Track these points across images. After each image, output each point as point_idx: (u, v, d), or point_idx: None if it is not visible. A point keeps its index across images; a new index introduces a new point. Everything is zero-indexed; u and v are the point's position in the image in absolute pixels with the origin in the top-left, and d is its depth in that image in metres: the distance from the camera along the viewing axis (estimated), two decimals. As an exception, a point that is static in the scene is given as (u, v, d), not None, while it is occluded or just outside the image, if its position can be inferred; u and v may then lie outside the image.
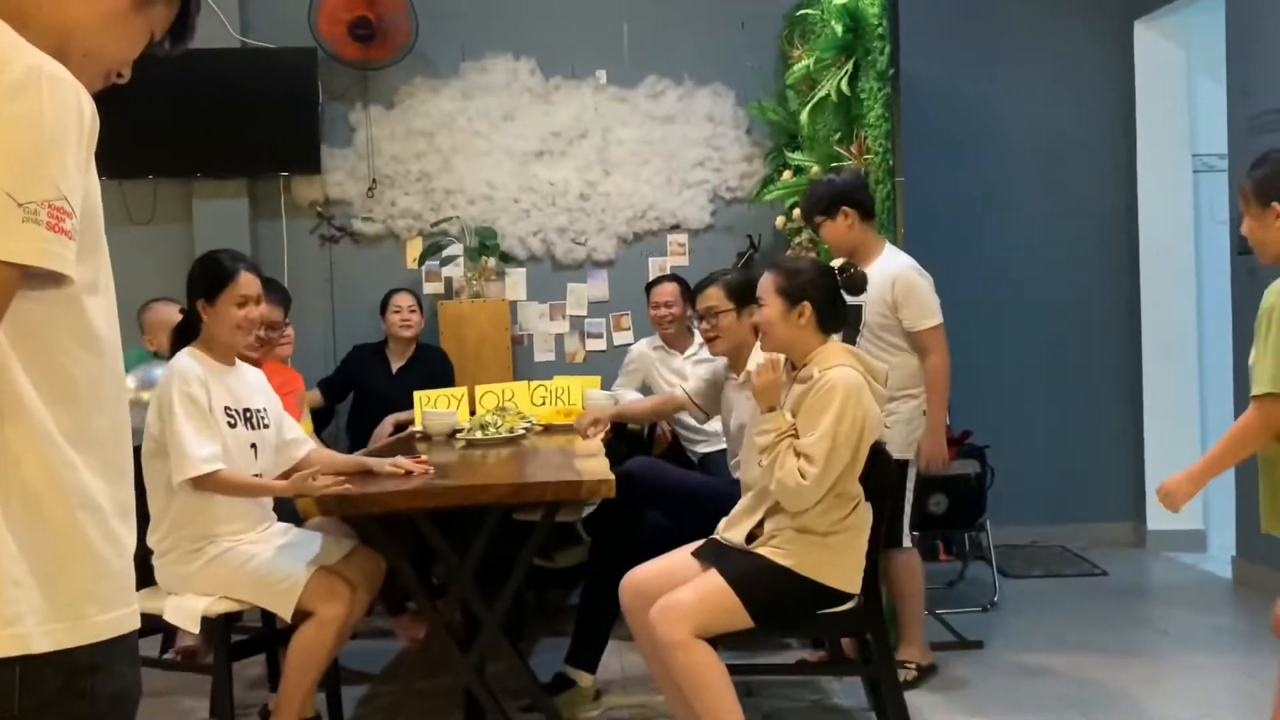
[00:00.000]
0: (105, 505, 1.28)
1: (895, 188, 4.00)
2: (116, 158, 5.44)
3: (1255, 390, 2.48)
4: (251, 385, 3.33)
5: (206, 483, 3.03)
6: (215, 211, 5.56)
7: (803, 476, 2.73)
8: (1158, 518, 5.62)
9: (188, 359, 3.15)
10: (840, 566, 2.85)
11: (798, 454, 2.77)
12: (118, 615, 1.29)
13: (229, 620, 3.17)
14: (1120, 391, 5.87)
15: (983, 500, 4.75)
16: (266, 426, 3.32)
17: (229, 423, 3.15)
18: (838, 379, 2.81)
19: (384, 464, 3.28)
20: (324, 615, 3.08)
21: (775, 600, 2.82)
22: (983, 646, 4.14)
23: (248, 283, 3.19)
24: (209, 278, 3.20)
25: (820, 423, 2.76)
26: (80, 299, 1.25)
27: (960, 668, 3.93)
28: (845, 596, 2.88)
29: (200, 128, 5.44)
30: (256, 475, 3.22)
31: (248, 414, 3.24)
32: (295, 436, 3.44)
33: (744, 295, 3.54)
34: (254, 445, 3.24)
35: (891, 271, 3.73)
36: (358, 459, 3.43)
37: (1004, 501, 5.02)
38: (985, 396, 5.58)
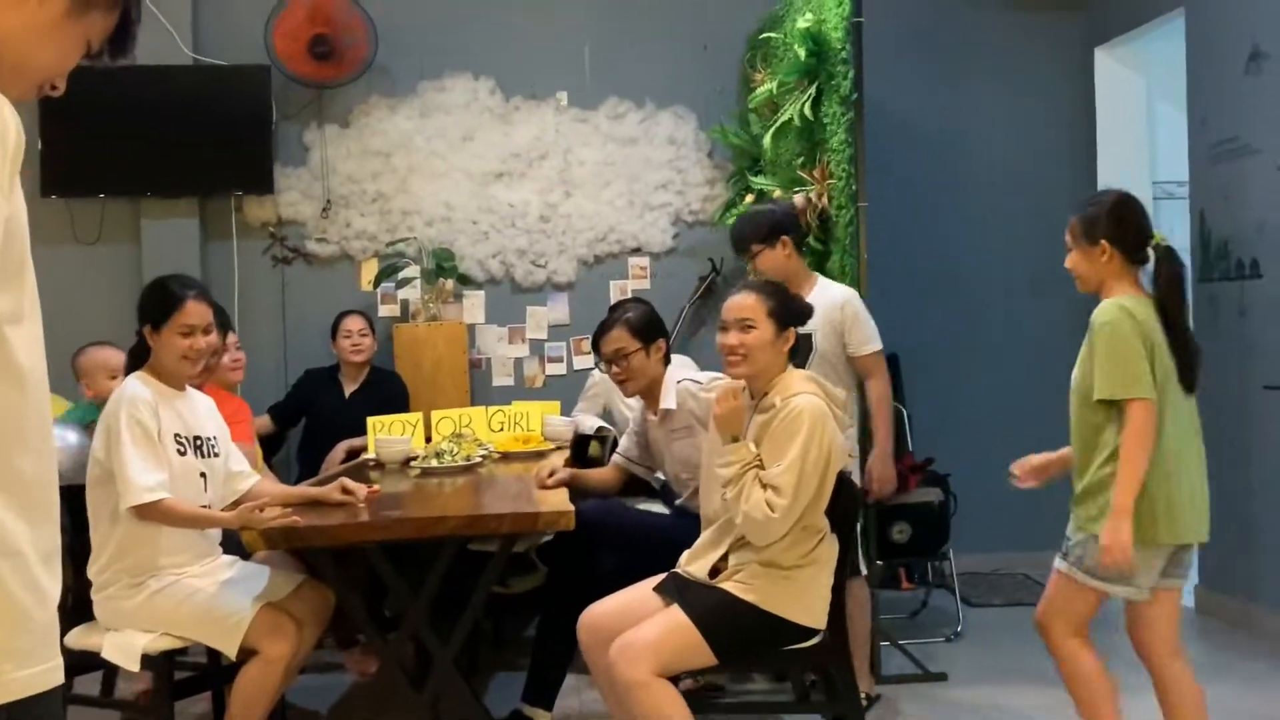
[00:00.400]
0: (27, 551, 1.19)
1: (859, 213, 3.94)
2: (63, 175, 5.35)
3: (1126, 395, 2.72)
4: (201, 412, 3.23)
5: (151, 512, 2.91)
6: (165, 231, 5.42)
7: (771, 509, 2.65)
8: (1119, 545, 5.59)
9: (137, 383, 3.04)
10: (806, 601, 2.77)
11: (764, 485, 2.69)
12: (38, 671, 1.19)
13: (171, 657, 3.04)
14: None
15: (946, 528, 4.70)
16: (216, 455, 3.21)
17: (178, 450, 3.05)
18: (804, 406, 2.74)
19: (330, 491, 3.17)
20: (270, 653, 2.97)
21: (739, 637, 2.74)
22: (947, 679, 4.08)
23: (195, 311, 3.10)
24: (156, 305, 3.11)
25: (787, 452, 2.69)
26: (1, 329, 1.15)
27: (923, 702, 3.87)
28: (811, 632, 2.80)
29: (150, 145, 5.32)
30: (205, 506, 3.11)
31: (198, 441, 3.14)
32: (241, 469, 3.35)
33: (648, 332, 3.55)
34: (203, 474, 3.14)
35: (838, 297, 3.73)
36: (304, 490, 3.33)
37: (966, 529, 4.97)
38: (947, 424, 5.55)
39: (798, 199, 4.15)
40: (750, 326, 2.86)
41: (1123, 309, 2.77)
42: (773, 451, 2.73)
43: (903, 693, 3.92)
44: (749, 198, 4.87)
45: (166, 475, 2.96)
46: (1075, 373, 2.94)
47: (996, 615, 4.99)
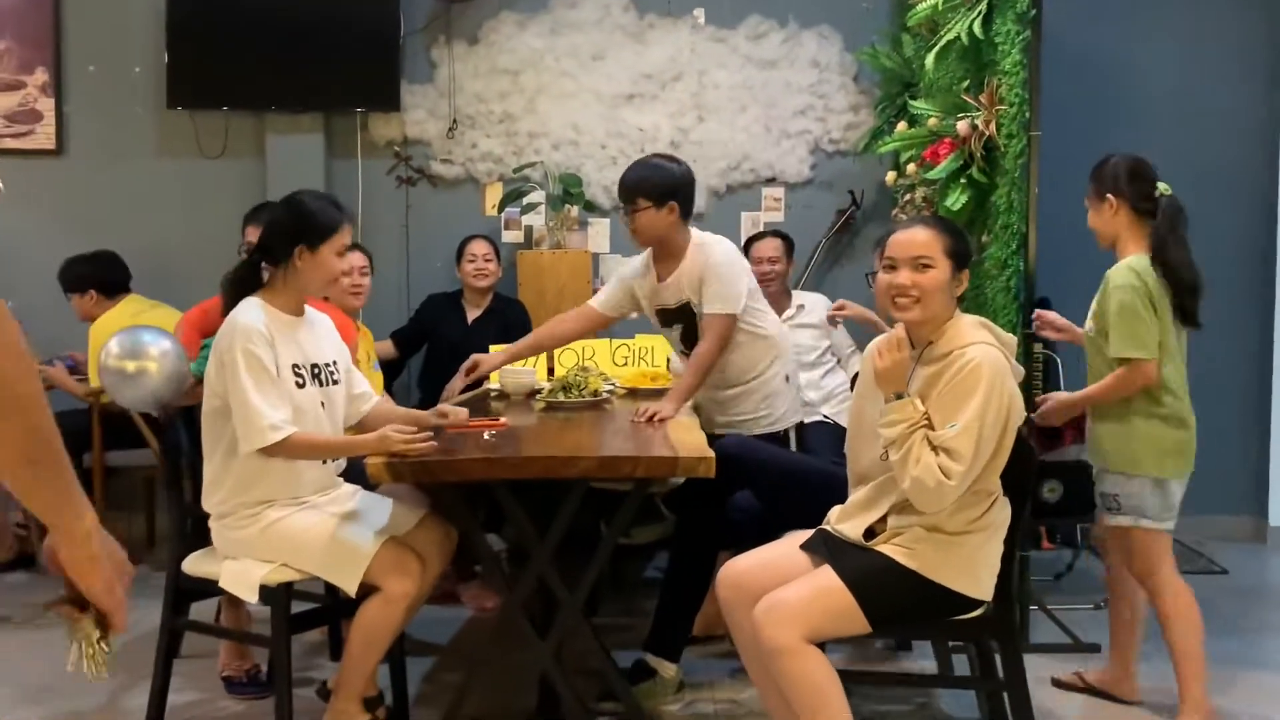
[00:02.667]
0: None
1: (1030, 143, 3.60)
2: (188, 87, 5.27)
3: (1130, 355, 3.11)
4: (321, 336, 3.06)
5: (277, 450, 2.77)
6: (289, 147, 5.31)
7: (945, 475, 2.38)
8: (1283, 513, 5.21)
9: (253, 310, 2.86)
10: (972, 571, 2.51)
11: (935, 448, 2.42)
12: None
13: (289, 589, 2.93)
14: (1249, 378, 5.41)
15: (1100, 488, 4.36)
16: (336, 382, 3.06)
17: (297, 382, 2.89)
18: (980, 359, 2.45)
19: (427, 416, 3.06)
20: (393, 591, 2.83)
21: (897, 605, 2.50)
22: (1099, 650, 3.78)
23: (348, 233, 2.98)
24: (317, 223, 2.92)
25: (963, 411, 2.41)
26: None
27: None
28: (975, 603, 2.55)
29: (277, 59, 5.20)
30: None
31: (316, 370, 2.98)
32: (362, 391, 3.19)
33: (660, 193, 3.50)
34: (323, 403, 2.98)
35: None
36: (407, 411, 3.26)
37: (1114, 488, 4.61)
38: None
39: (961, 126, 3.80)
40: (927, 265, 2.56)
41: (1132, 271, 3.10)
42: (945, 410, 2.45)
43: (1053, 663, 3.64)
44: (901, 124, 4.52)
45: (289, 409, 2.81)
46: (1089, 323, 3.27)
47: (1148, 582, 4.65)
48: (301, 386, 2.90)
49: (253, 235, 3.80)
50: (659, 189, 3.51)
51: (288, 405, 2.81)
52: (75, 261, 4.85)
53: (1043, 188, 3.70)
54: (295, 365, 2.89)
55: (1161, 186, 3.26)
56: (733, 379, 3.61)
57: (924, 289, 2.55)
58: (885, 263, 2.64)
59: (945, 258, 2.55)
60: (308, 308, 3.06)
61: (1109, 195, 3.24)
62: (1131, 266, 3.11)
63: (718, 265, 3.50)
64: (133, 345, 3.51)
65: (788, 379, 3.68)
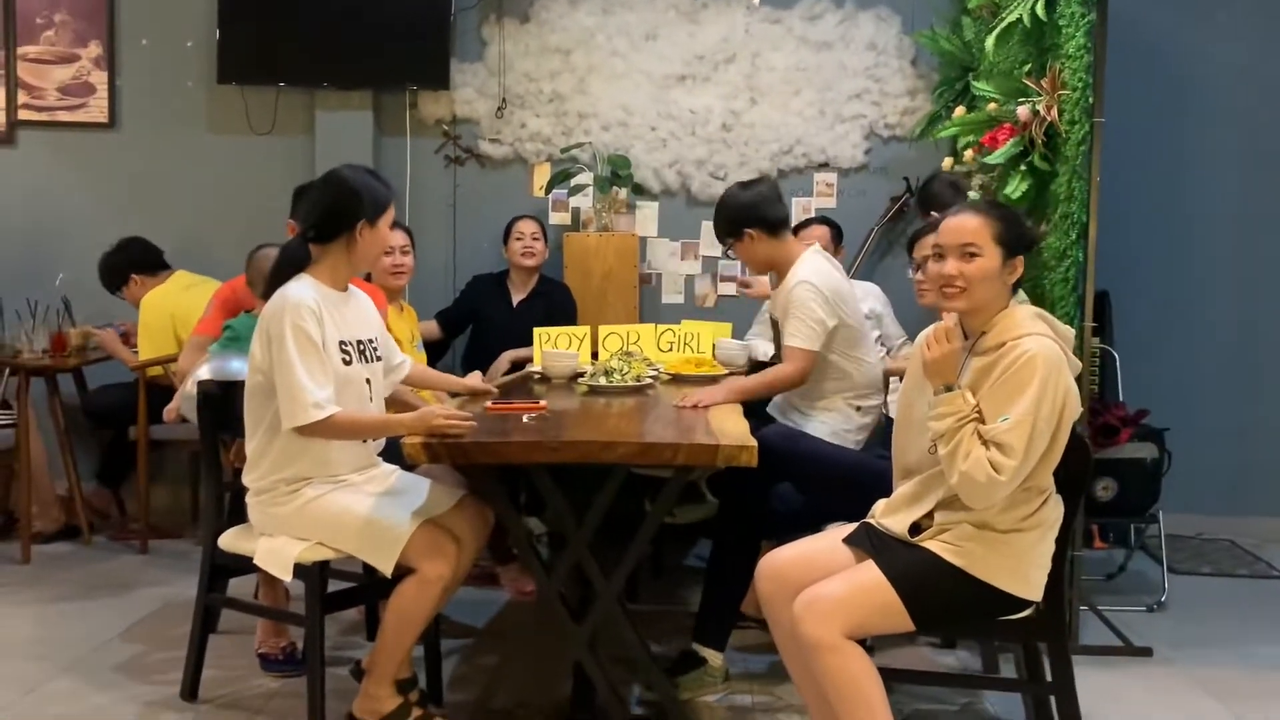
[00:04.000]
0: None
1: (1093, 129, 3.48)
2: (239, 63, 5.25)
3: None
4: (363, 312, 3.04)
5: (320, 429, 2.75)
6: (339, 124, 5.29)
7: (996, 470, 2.29)
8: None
9: (304, 287, 2.83)
10: (1022, 570, 2.43)
11: (985, 442, 2.33)
12: None
13: (324, 567, 2.91)
14: (1312, 374, 5.25)
15: (1157, 488, 4.25)
16: (379, 359, 3.04)
17: (344, 359, 2.87)
18: (1035, 350, 2.36)
19: (459, 382, 3.30)
20: (428, 573, 2.79)
21: (942, 603, 2.42)
22: (1151, 654, 3.67)
23: (394, 208, 3.00)
24: (376, 197, 2.91)
25: (1016, 405, 2.32)
26: None
27: (1128, 678, 3.48)
28: (1024, 603, 2.46)
29: (327, 35, 5.17)
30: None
31: (361, 347, 2.96)
32: (400, 361, 3.20)
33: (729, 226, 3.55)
34: (368, 380, 2.96)
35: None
36: (440, 376, 3.44)
37: (1167, 485, 4.47)
38: (1165, 373, 5.05)
39: (1021, 111, 3.68)
40: (974, 254, 2.47)
41: None
42: (997, 403, 2.36)
43: (1103, 666, 3.54)
44: (959, 109, 4.40)
45: (333, 389, 2.78)
46: None
47: (1203, 585, 4.52)
48: (348, 364, 2.88)
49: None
50: (730, 224, 3.54)
51: (332, 384, 2.78)
52: (107, 258, 4.87)
53: (1105, 176, 3.58)
54: (342, 342, 2.88)
55: None
56: (796, 403, 3.59)
57: (970, 278, 2.46)
58: (935, 250, 2.55)
59: (995, 245, 2.46)
60: (353, 290, 3.04)
61: None
62: None
63: (795, 297, 3.42)
64: (221, 373, 3.46)
65: (859, 409, 3.56)
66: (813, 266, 3.48)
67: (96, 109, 5.42)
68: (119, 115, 5.44)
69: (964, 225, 2.50)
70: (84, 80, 5.41)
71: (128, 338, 4.88)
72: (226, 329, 3.67)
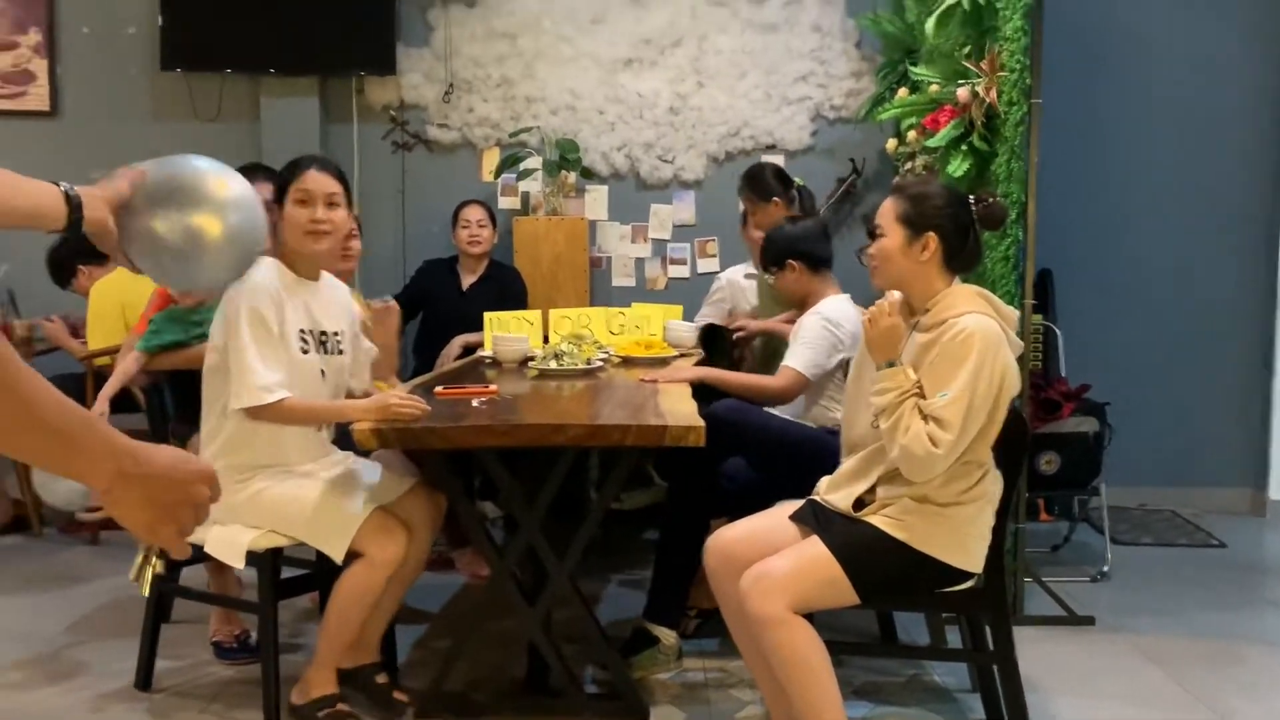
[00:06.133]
0: None
1: (1031, 110, 3.54)
2: (184, 49, 5.20)
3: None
4: (331, 304, 3.03)
5: (266, 413, 2.75)
6: (284, 110, 5.25)
7: (934, 444, 2.35)
8: (1282, 486, 5.19)
9: (265, 270, 2.84)
10: (961, 542, 2.49)
11: (925, 417, 2.39)
12: None
13: (277, 554, 2.91)
14: (1251, 351, 5.37)
15: (1098, 461, 4.34)
16: (341, 352, 3.04)
17: (300, 348, 2.88)
18: (973, 327, 2.42)
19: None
20: (376, 556, 2.81)
21: (886, 576, 2.47)
22: (1094, 623, 3.77)
23: (314, 179, 2.90)
24: (278, 176, 2.95)
25: (954, 380, 2.38)
26: None
27: (1071, 646, 3.57)
28: (965, 575, 2.52)
29: (272, 21, 5.14)
30: None
31: (323, 338, 2.96)
32: (361, 373, 3.18)
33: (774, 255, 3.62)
34: (323, 371, 2.96)
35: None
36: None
37: (1110, 458, 4.57)
38: (1106, 348, 5.15)
39: (961, 93, 3.74)
40: (879, 234, 2.60)
41: None
42: (936, 379, 2.42)
43: (1046, 636, 3.62)
44: (902, 91, 4.46)
45: (285, 374, 2.79)
46: None
47: (1146, 555, 4.63)
48: (305, 353, 2.89)
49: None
50: (776, 253, 3.63)
51: (283, 370, 2.78)
52: (53, 251, 4.77)
53: (1043, 155, 3.65)
54: (303, 331, 2.88)
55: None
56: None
57: (876, 256, 2.60)
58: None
59: (896, 224, 2.55)
60: (325, 274, 3.05)
61: None
62: None
63: (811, 326, 3.47)
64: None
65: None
66: (838, 308, 3.52)
67: (37, 97, 5.34)
68: (61, 103, 5.37)
69: (880, 207, 2.62)
70: (24, 68, 5.33)
71: (76, 330, 4.82)
72: (150, 324, 3.62)
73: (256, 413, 2.75)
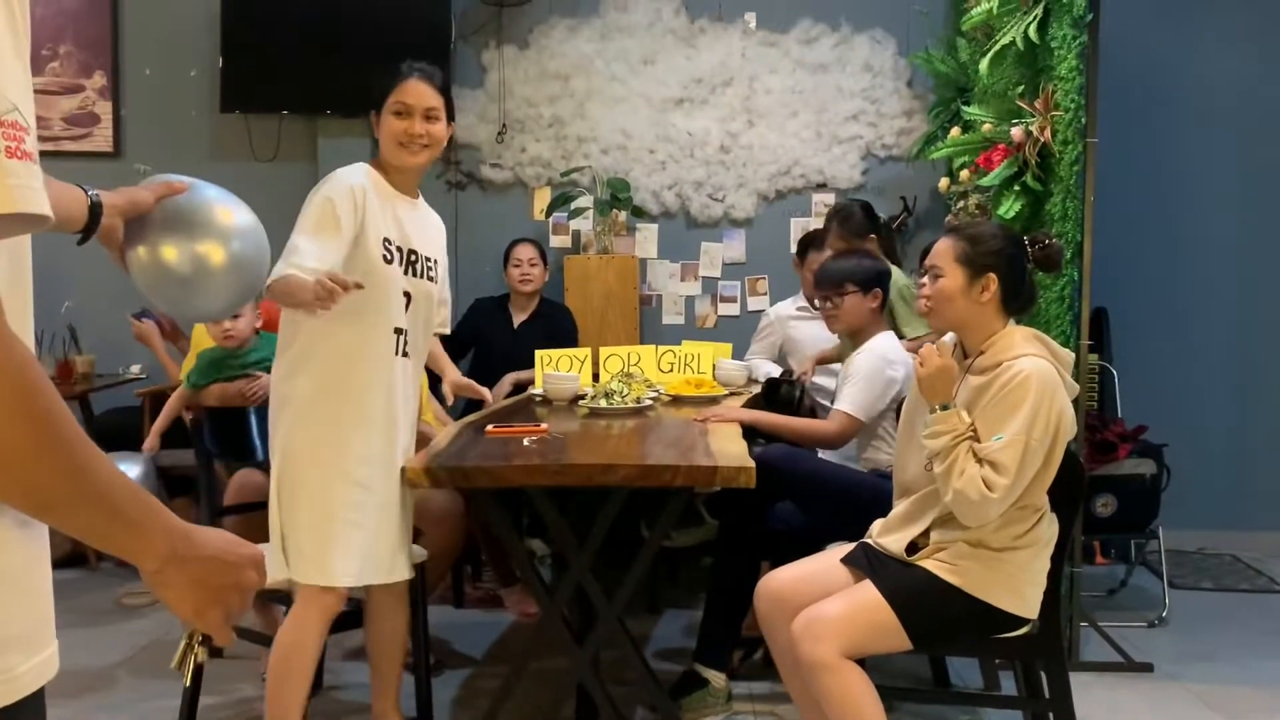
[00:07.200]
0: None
1: (1086, 149, 3.51)
2: (243, 91, 5.31)
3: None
4: (428, 228, 2.87)
5: (278, 285, 2.46)
6: (341, 150, 5.32)
7: (989, 488, 2.32)
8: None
9: (356, 170, 2.71)
10: (1017, 588, 2.45)
11: (979, 460, 2.37)
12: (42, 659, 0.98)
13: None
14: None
15: (1156, 504, 4.26)
16: (432, 279, 2.84)
17: (384, 256, 2.67)
18: (1030, 370, 2.39)
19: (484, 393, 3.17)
20: (313, 601, 2.66)
21: (939, 622, 2.44)
22: (1152, 670, 3.69)
23: (414, 90, 2.71)
24: (376, 83, 2.77)
25: (1009, 424, 2.35)
26: None
27: (1129, 693, 3.50)
28: (1021, 621, 2.48)
29: (329, 64, 5.22)
30: (399, 330, 2.72)
31: (414, 258, 2.76)
32: (445, 314, 3.03)
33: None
34: (407, 294, 2.75)
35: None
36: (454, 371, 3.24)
37: (1167, 501, 4.49)
38: (1163, 389, 5.07)
39: (1015, 133, 3.72)
40: (937, 275, 2.56)
41: None
42: (991, 422, 2.39)
43: (1103, 682, 3.55)
44: (955, 130, 4.45)
45: (334, 266, 2.51)
46: None
47: (1204, 600, 4.52)
48: (389, 262, 2.68)
49: None
50: (838, 279, 3.55)
51: (336, 264, 2.53)
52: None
53: (1099, 195, 3.62)
54: (387, 239, 2.69)
55: None
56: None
57: (935, 298, 2.56)
58: (920, 272, 2.63)
59: (956, 265, 2.52)
60: (424, 203, 2.90)
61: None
62: None
63: (865, 365, 3.38)
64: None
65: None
66: (892, 344, 3.47)
67: (101, 138, 5.48)
68: (123, 144, 5.50)
69: (936, 248, 2.61)
70: (89, 110, 5.47)
71: (174, 335, 4.71)
72: (196, 359, 3.65)
73: (273, 288, 2.47)
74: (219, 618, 1.09)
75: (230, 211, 1.76)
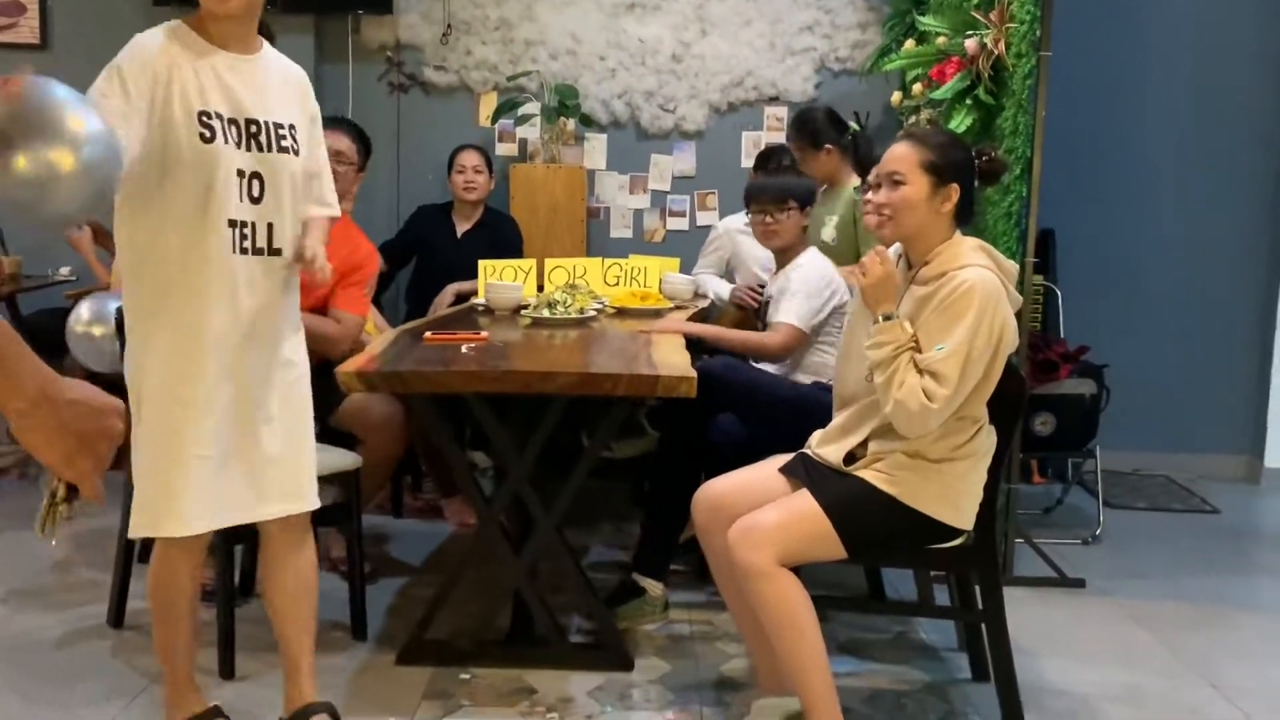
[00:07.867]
0: None
1: (1040, 63, 3.46)
2: (176, -16, 5.10)
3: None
4: (272, 87, 2.29)
5: None
6: (279, 48, 5.11)
7: (929, 398, 2.30)
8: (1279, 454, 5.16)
9: (157, 32, 2.21)
10: (953, 499, 2.45)
11: (920, 370, 2.34)
12: None
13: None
14: (1252, 317, 5.31)
15: (1094, 424, 4.30)
16: (285, 150, 2.28)
17: (201, 135, 2.16)
18: (974, 281, 2.36)
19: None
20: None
21: (875, 531, 2.44)
22: (1084, 585, 3.74)
23: None
24: None
25: (952, 334, 2.32)
26: None
27: (1061, 608, 3.55)
28: (956, 532, 2.49)
29: (267, -44, 5.00)
30: (234, 224, 2.21)
31: (253, 127, 2.23)
32: (323, 192, 2.44)
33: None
34: (257, 175, 2.24)
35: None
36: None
37: (1105, 422, 4.53)
38: (1106, 311, 5.10)
39: (969, 44, 3.66)
40: (899, 181, 2.45)
41: None
42: (934, 332, 2.36)
43: (1036, 597, 3.60)
44: (909, 42, 4.36)
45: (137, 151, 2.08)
46: None
47: (1138, 520, 4.60)
48: (208, 140, 2.17)
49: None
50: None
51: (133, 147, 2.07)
52: None
53: (1051, 112, 3.57)
54: (204, 114, 2.17)
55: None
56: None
57: (894, 206, 2.46)
58: (872, 180, 2.54)
59: (922, 172, 2.44)
60: (273, 53, 2.35)
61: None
62: None
63: (802, 276, 3.39)
64: (99, 315, 3.16)
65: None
66: (826, 259, 3.50)
67: (27, 29, 5.24)
68: (51, 36, 5.27)
69: (894, 153, 2.50)
70: (14, -1, 5.23)
71: (104, 238, 4.57)
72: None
73: None
74: (88, 465, 1.06)
75: (81, 118, 1.62)
